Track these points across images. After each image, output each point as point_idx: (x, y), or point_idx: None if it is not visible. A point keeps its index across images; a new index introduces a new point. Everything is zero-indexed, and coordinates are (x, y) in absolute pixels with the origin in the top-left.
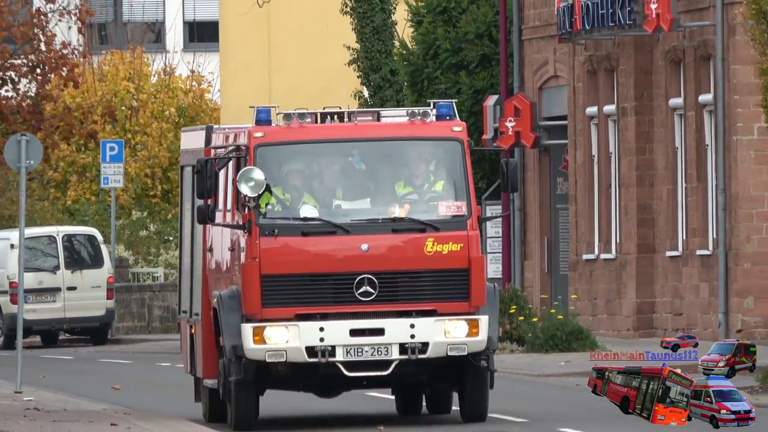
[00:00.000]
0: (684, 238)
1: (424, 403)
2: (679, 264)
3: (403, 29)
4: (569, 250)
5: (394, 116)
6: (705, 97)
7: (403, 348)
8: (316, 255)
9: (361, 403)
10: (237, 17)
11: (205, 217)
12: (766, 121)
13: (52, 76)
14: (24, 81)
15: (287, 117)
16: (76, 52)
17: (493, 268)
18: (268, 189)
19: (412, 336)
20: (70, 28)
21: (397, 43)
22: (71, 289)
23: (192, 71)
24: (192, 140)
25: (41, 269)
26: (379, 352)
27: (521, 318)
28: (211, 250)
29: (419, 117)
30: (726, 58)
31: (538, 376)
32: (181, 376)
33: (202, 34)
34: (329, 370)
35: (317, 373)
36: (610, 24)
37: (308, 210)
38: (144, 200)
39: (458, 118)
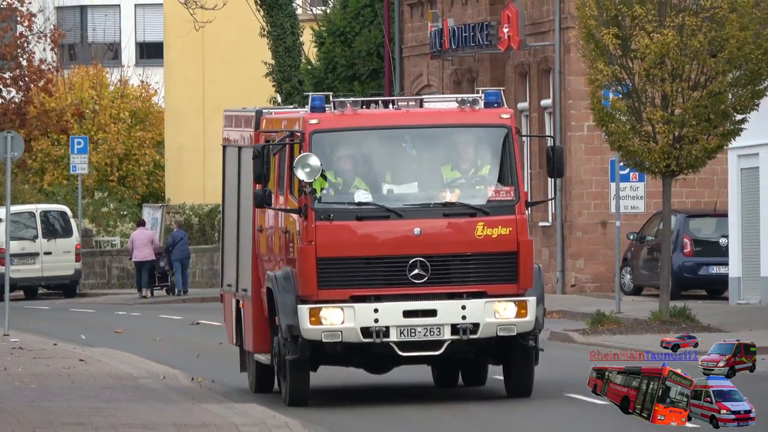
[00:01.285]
0: (529, 212)
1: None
2: None
3: (309, 48)
4: None
5: (439, 102)
6: (546, 102)
7: (454, 329)
8: (370, 238)
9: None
10: (178, 39)
11: (263, 201)
12: (594, 120)
13: (32, 86)
14: (11, 90)
15: (341, 104)
16: (50, 67)
17: None
18: (322, 174)
19: (464, 317)
20: (44, 49)
21: (303, 60)
22: (47, 254)
23: (142, 81)
24: (237, 122)
25: (23, 238)
26: (432, 333)
27: None
28: (261, 230)
29: (469, 104)
30: (562, 71)
31: None
32: (133, 322)
33: (150, 52)
34: (383, 349)
35: (371, 352)
36: (472, 44)
37: (362, 195)
38: (104, 184)
39: (506, 106)
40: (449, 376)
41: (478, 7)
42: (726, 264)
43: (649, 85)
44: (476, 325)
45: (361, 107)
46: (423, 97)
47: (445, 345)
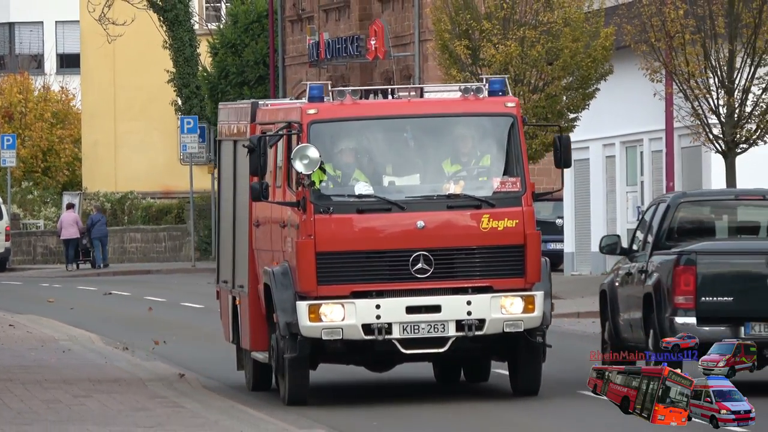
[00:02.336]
0: None
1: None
2: None
3: (205, 58)
4: None
5: (440, 92)
6: None
7: (459, 325)
8: (372, 232)
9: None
10: (93, 50)
11: (259, 194)
12: None
13: None
14: None
15: (340, 93)
16: None
17: None
18: (321, 166)
19: (469, 313)
20: None
21: (200, 68)
22: None
23: (62, 87)
24: (232, 115)
25: None
26: (436, 329)
27: None
28: (258, 225)
29: (473, 93)
30: (421, 77)
31: None
32: (55, 293)
33: (69, 62)
34: (385, 347)
35: (373, 350)
36: (344, 55)
37: (363, 187)
38: (30, 174)
39: (510, 94)
40: (451, 372)
41: (349, 23)
42: (561, 241)
43: None
44: (482, 321)
45: (361, 97)
46: (423, 86)
47: (450, 342)
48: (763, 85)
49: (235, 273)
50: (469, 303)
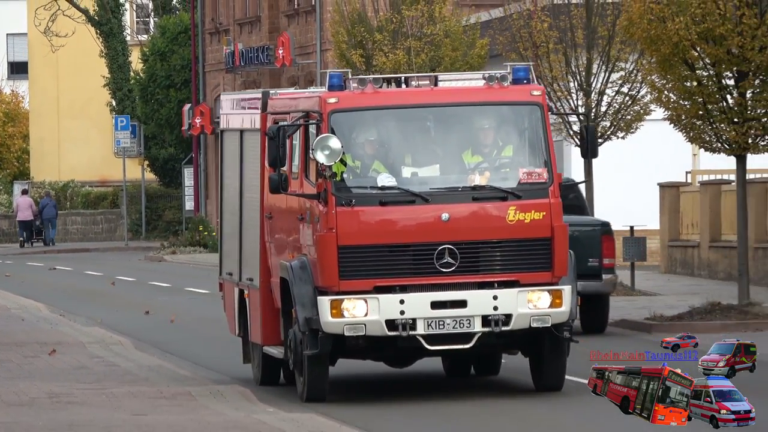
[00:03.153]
0: None
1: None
2: None
3: (136, 65)
4: None
5: (459, 80)
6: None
7: (486, 320)
8: (395, 225)
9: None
10: (40, 58)
11: (278, 186)
12: None
13: None
14: None
15: (362, 81)
16: None
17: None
18: (342, 157)
19: (495, 308)
20: None
21: (132, 74)
22: None
23: (12, 91)
24: (238, 105)
25: None
26: (462, 325)
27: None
28: (270, 217)
29: (497, 81)
30: (323, 83)
31: None
32: (7, 268)
33: (18, 69)
34: (409, 343)
35: (395, 346)
36: (256, 62)
37: (385, 178)
38: None
39: (536, 82)
40: (462, 366)
41: (260, 35)
42: None
43: None
44: (508, 317)
45: (381, 85)
46: (437, 74)
47: (476, 338)
48: (616, 88)
49: (242, 265)
50: (495, 298)
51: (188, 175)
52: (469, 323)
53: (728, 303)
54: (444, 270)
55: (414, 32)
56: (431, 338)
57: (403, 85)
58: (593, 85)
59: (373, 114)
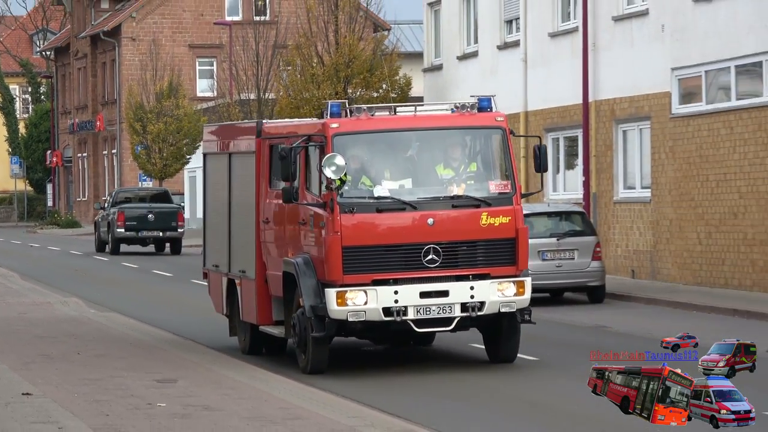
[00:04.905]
0: None
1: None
2: None
3: (22, 128)
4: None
5: (432, 109)
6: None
7: (464, 306)
8: (389, 228)
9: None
10: None
11: (291, 197)
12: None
13: None
14: None
15: (358, 110)
16: None
17: None
18: (346, 173)
19: (472, 296)
20: None
21: (21, 134)
22: None
23: None
24: (228, 133)
25: None
26: (444, 311)
27: None
28: (267, 222)
29: (468, 109)
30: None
31: None
32: None
33: None
34: (401, 326)
35: (389, 329)
36: (86, 128)
37: (381, 190)
38: None
39: (497, 109)
40: (423, 341)
41: (87, 113)
42: None
43: None
44: (482, 303)
45: (373, 113)
46: (416, 104)
47: (456, 321)
48: None
49: (231, 260)
50: (472, 288)
51: (49, 188)
52: (450, 309)
53: None
54: (430, 265)
55: (168, 113)
56: (420, 322)
57: (387, 112)
58: None
59: (369, 136)
